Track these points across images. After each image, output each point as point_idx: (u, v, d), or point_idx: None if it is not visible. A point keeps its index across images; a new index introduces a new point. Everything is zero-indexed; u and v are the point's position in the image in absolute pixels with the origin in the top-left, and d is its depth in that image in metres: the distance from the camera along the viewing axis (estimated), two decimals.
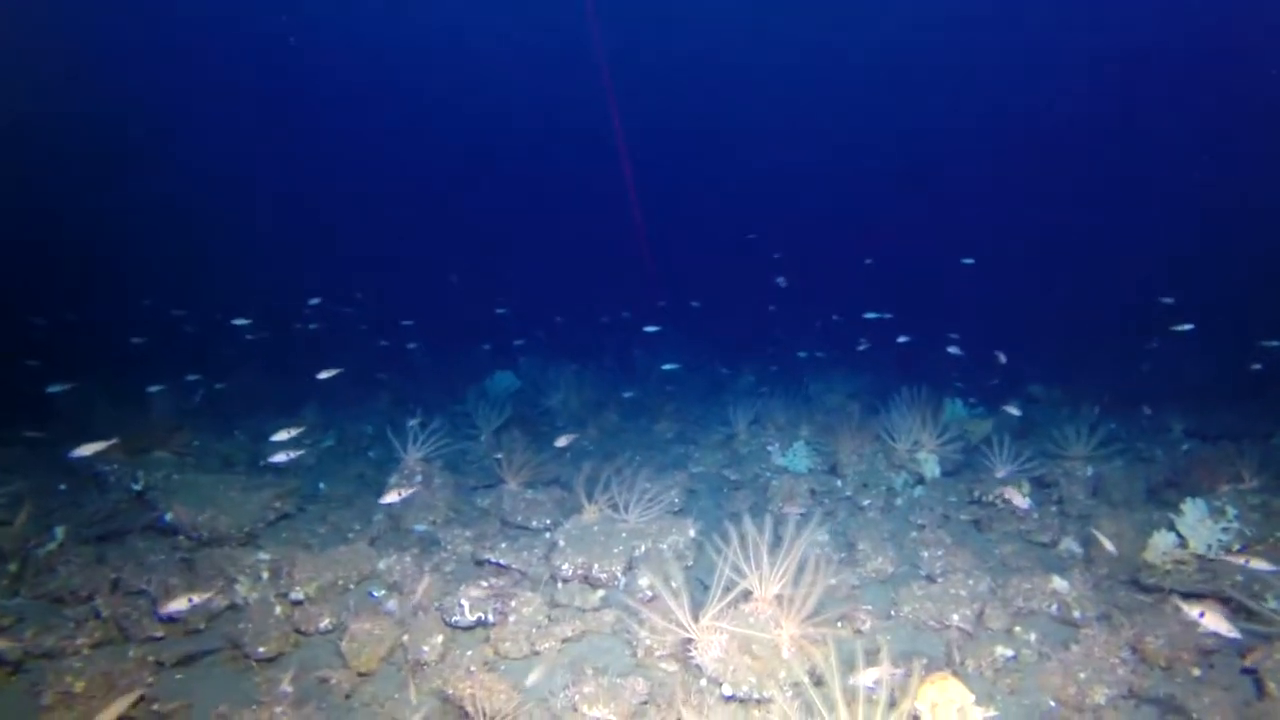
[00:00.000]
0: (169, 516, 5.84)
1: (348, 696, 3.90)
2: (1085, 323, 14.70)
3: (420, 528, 6.51)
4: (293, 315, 12.85)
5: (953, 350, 9.32)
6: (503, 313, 15.11)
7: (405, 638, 4.33)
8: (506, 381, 13.16)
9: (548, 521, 6.53)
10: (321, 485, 7.86)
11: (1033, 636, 4.56)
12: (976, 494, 6.91)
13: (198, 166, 23.28)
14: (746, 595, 4.33)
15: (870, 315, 12.51)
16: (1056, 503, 7.06)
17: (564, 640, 4.52)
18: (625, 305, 15.57)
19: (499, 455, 7.45)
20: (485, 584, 4.82)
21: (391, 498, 5.62)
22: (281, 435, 5.99)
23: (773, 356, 13.69)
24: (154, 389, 9.75)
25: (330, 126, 28.73)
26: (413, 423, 7.43)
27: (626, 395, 11.68)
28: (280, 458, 6.03)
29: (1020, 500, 5.88)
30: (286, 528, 6.47)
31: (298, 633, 4.45)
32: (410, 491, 5.83)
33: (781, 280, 14.16)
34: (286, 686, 3.78)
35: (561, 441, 7.50)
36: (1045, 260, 19.23)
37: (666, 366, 11.75)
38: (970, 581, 5.05)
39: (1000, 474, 7.12)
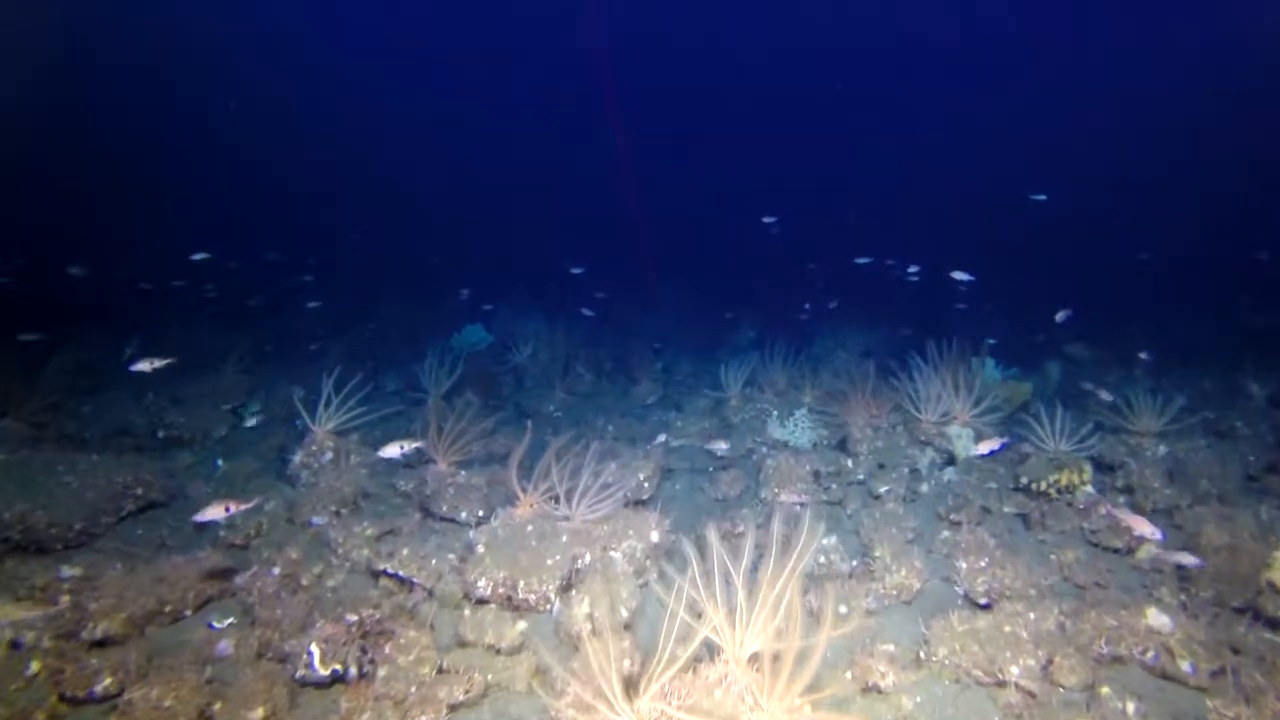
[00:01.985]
0: None
1: None
2: (1140, 276, 12.99)
3: (318, 520, 5.14)
4: (218, 276, 11.34)
5: (959, 276, 7.84)
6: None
7: (216, 707, 2.98)
8: (477, 336, 11.72)
9: (480, 513, 5.16)
10: (220, 462, 6.50)
11: (1130, 707, 3.16)
12: (1024, 480, 5.44)
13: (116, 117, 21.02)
14: (714, 652, 2.94)
15: (861, 260, 10.93)
16: (1125, 490, 5.62)
17: (452, 707, 3.15)
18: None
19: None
20: (353, 616, 3.44)
21: (214, 513, 3.82)
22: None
23: (774, 309, 12.13)
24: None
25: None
26: (327, 382, 6.08)
27: (604, 352, 10.21)
28: (144, 366, 4.97)
29: (1150, 530, 4.25)
30: (146, 521, 5.12)
31: (62, 701, 3.08)
32: (249, 505, 4.22)
33: (772, 223, 12.60)
34: None
35: (392, 450, 5.12)
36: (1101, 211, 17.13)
37: (586, 312, 10.06)
38: (1032, 615, 3.63)
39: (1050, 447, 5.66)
